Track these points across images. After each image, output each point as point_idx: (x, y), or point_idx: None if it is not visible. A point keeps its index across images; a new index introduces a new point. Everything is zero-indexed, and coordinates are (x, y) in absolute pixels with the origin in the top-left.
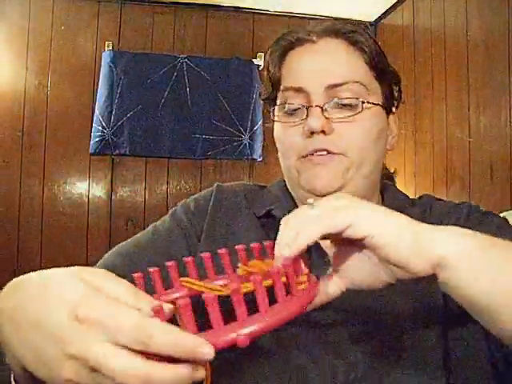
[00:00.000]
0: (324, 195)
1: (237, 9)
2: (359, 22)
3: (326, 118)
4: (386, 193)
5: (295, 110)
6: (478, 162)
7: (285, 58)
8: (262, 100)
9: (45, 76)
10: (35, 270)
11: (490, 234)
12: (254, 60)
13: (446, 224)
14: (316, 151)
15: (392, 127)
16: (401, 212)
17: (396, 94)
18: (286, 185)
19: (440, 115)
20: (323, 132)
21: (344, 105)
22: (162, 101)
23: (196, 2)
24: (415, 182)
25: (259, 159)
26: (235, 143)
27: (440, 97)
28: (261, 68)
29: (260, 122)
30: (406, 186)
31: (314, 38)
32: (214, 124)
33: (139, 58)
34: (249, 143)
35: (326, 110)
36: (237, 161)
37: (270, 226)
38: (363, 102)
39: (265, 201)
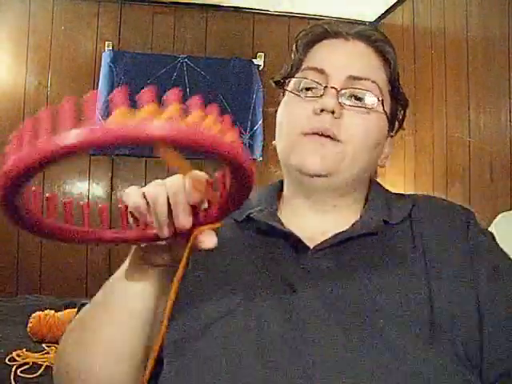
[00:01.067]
0: (311, 175)
1: (237, 9)
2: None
3: (339, 103)
4: (373, 186)
5: (310, 88)
6: (478, 162)
7: (314, 45)
8: (274, 82)
9: (45, 76)
10: (35, 270)
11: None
12: (254, 60)
13: (438, 222)
14: (320, 131)
15: (387, 147)
16: (386, 203)
17: (399, 118)
18: (272, 189)
19: (440, 115)
20: (332, 113)
21: (359, 98)
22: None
23: (196, 2)
24: (415, 182)
25: (259, 159)
26: None
27: (440, 97)
28: (261, 68)
29: (260, 122)
30: (406, 186)
31: (348, 36)
32: None
33: (139, 58)
34: (249, 143)
35: (341, 95)
36: None
37: (250, 230)
38: (378, 100)
39: (243, 206)
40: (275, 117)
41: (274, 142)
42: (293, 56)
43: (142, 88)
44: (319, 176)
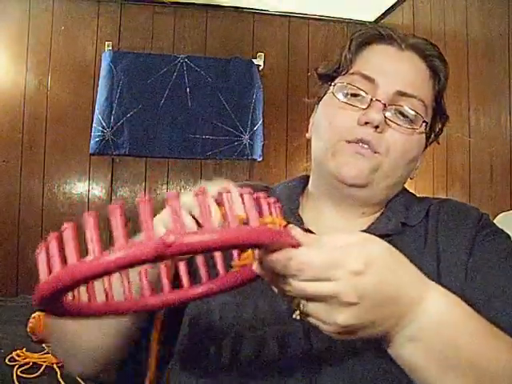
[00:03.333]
0: (348, 185)
1: (237, 9)
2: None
3: (385, 117)
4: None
5: (355, 95)
6: (478, 162)
7: (367, 46)
8: (318, 75)
9: (45, 76)
10: (35, 270)
11: (494, 256)
12: (254, 60)
13: (451, 224)
14: (362, 141)
15: (421, 160)
16: (405, 206)
17: (436, 130)
18: (297, 184)
19: None
20: (376, 127)
21: (404, 116)
22: (162, 101)
23: (196, 2)
24: (415, 182)
25: (259, 159)
26: (235, 143)
27: None
28: (261, 68)
29: (260, 122)
30: (406, 186)
31: (403, 46)
32: (213, 124)
33: (139, 58)
34: (249, 143)
35: (386, 110)
36: (237, 161)
37: None
38: (424, 122)
39: None
40: (275, 116)
41: (307, 135)
42: (343, 54)
43: (142, 88)
44: (354, 186)
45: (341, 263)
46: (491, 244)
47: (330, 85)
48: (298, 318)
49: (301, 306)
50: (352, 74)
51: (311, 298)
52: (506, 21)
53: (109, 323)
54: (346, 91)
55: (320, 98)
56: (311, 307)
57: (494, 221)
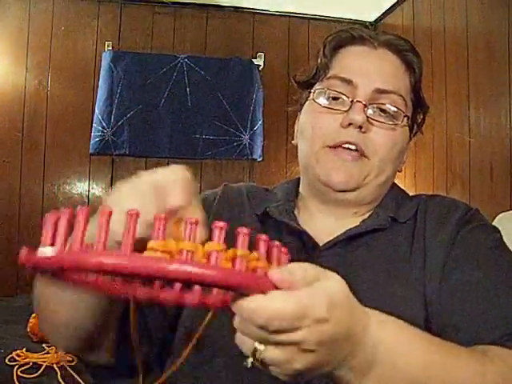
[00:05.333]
0: (338, 190)
1: (237, 9)
2: (360, 22)
3: (367, 118)
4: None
5: (336, 98)
6: (478, 162)
7: (340, 50)
8: (297, 83)
9: (45, 76)
10: (35, 271)
11: (475, 249)
12: (253, 60)
13: (438, 220)
14: (347, 143)
15: (407, 152)
16: (396, 202)
17: (418, 121)
18: (291, 186)
19: (440, 115)
20: (360, 128)
21: (385, 112)
22: (162, 101)
23: (196, 2)
24: (415, 181)
25: (259, 159)
26: (235, 143)
27: (440, 97)
28: (261, 68)
29: (260, 122)
30: (406, 186)
31: (376, 44)
32: (214, 124)
33: (139, 58)
34: (249, 143)
35: (367, 109)
36: (237, 161)
37: (268, 224)
38: (405, 116)
39: (264, 201)
40: (275, 116)
41: (293, 142)
42: (319, 59)
43: (142, 88)
44: (345, 191)
45: (307, 313)
46: (474, 237)
47: (310, 91)
48: (249, 365)
49: (257, 354)
50: (329, 78)
51: (271, 344)
52: (506, 21)
53: (86, 306)
54: (326, 96)
55: (302, 106)
56: (269, 354)
57: (494, 221)
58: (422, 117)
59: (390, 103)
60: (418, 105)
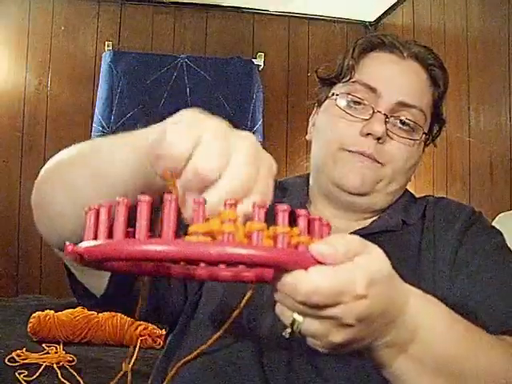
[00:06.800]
0: (351, 193)
1: (237, 9)
2: (359, 22)
3: (387, 129)
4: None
5: (357, 103)
6: (478, 162)
7: (368, 54)
8: (319, 78)
9: (45, 76)
10: (35, 270)
11: (481, 251)
12: (254, 60)
13: (445, 222)
14: (363, 154)
15: (419, 162)
16: (405, 205)
17: (434, 133)
18: (303, 182)
19: None
20: (378, 139)
21: (404, 124)
22: (162, 101)
23: (196, 2)
24: (415, 182)
25: None
26: None
27: None
28: (261, 68)
29: (260, 122)
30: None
31: (405, 54)
32: None
33: (139, 58)
34: None
35: (388, 121)
36: None
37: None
38: (424, 133)
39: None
40: (275, 116)
41: (307, 137)
42: (346, 60)
43: (142, 88)
44: (357, 194)
45: (347, 289)
46: (479, 239)
47: (331, 89)
48: (287, 336)
49: (295, 325)
50: (354, 82)
51: (310, 317)
52: (506, 21)
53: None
54: (347, 100)
55: (320, 102)
56: (308, 327)
57: (494, 221)
58: (437, 129)
59: (411, 118)
60: (437, 118)
